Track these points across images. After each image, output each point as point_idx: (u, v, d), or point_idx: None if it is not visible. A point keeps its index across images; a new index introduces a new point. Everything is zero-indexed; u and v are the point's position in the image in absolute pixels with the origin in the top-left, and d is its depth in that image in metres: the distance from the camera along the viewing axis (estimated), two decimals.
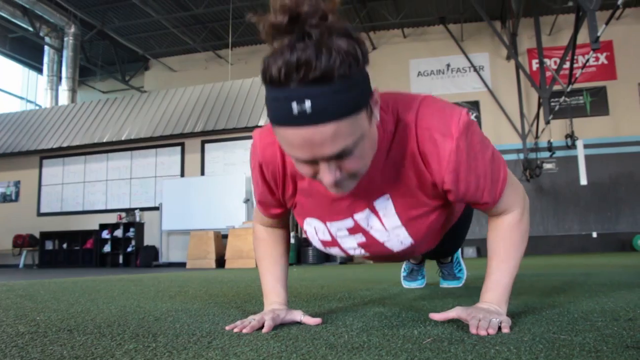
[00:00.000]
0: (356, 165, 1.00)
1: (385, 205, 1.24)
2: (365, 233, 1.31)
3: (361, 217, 1.27)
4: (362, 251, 1.38)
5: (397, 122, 1.12)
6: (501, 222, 1.29)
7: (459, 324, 1.22)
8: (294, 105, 0.88)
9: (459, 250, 2.59)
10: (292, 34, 0.89)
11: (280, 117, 0.91)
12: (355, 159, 0.99)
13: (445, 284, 2.58)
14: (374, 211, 1.25)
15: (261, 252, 1.46)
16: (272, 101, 0.92)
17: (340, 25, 0.90)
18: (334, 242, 1.36)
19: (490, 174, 1.18)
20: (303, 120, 0.89)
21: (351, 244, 1.35)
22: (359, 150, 0.98)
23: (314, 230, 1.35)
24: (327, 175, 0.98)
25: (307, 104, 0.88)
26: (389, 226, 1.28)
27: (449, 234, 1.55)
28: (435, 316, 1.24)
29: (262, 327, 1.23)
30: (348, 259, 9.66)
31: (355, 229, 1.30)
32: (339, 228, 1.31)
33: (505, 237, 1.28)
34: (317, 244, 1.40)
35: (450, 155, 1.10)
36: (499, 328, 1.12)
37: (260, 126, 10.08)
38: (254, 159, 1.27)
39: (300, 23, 0.88)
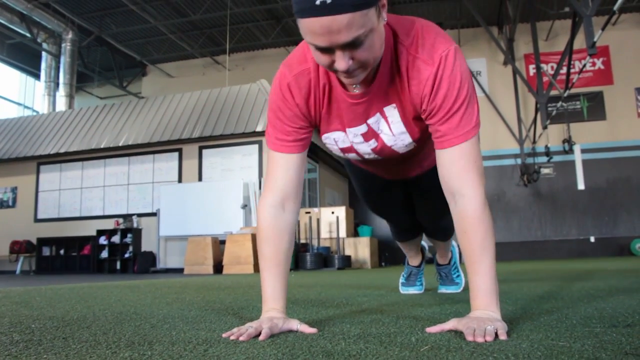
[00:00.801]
0: (366, 55, 1.15)
1: (393, 113, 1.40)
2: (377, 137, 1.48)
3: (373, 121, 1.43)
4: (375, 155, 1.57)
5: (395, 42, 1.30)
6: (464, 212, 1.29)
7: (457, 332, 1.21)
8: None
9: (457, 254, 2.59)
10: None
11: (305, 9, 1.06)
12: (365, 49, 1.14)
13: (444, 289, 2.57)
14: (384, 116, 1.42)
15: (265, 252, 1.41)
16: None
17: None
18: (351, 149, 1.55)
19: (461, 107, 1.28)
20: (323, 10, 1.04)
21: (366, 149, 1.54)
22: (369, 42, 1.13)
23: (334, 141, 1.53)
24: (342, 61, 1.14)
25: None
26: (395, 131, 1.45)
27: (444, 213, 1.69)
28: (431, 329, 1.24)
29: (259, 334, 1.22)
30: (346, 265, 9.65)
31: (368, 135, 1.48)
32: (355, 134, 1.48)
33: (470, 234, 1.27)
34: (337, 152, 1.59)
35: (428, 79, 1.27)
36: (496, 335, 1.12)
37: (258, 132, 10.09)
38: (283, 90, 1.40)
39: None
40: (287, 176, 1.43)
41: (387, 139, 1.48)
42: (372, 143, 1.51)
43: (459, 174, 1.29)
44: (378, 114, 1.42)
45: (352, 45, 1.11)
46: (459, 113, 1.28)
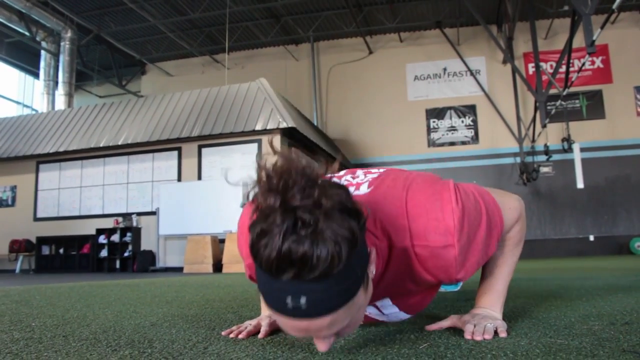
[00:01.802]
0: (350, 330, 0.98)
1: (384, 303, 1.24)
2: (364, 315, 1.28)
3: None
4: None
5: (390, 247, 1.09)
6: None
7: (456, 329, 1.22)
8: (289, 300, 0.83)
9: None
10: (284, 214, 0.81)
11: (273, 305, 0.86)
12: (350, 327, 0.95)
13: (443, 288, 2.57)
14: (374, 305, 1.25)
15: None
16: (264, 285, 0.86)
17: (335, 200, 0.83)
18: None
19: (488, 237, 1.15)
20: (298, 314, 0.84)
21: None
22: (354, 320, 0.94)
23: None
24: (322, 345, 0.94)
25: (303, 300, 0.82)
26: (387, 312, 1.28)
27: None
28: (430, 327, 1.24)
29: (258, 332, 1.22)
30: None
31: None
32: None
33: (505, 243, 1.28)
34: None
35: (457, 259, 1.07)
36: (496, 332, 1.12)
37: (257, 131, 10.09)
38: (240, 246, 1.25)
39: (292, 210, 0.81)
40: None
41: (377, 316, 1.31)
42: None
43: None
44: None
45: (333, 334, 0.93)
46: (493, 242, 1.17)
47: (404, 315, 1.32)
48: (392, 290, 1.18)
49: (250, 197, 0.87)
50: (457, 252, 1.06)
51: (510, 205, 1.25)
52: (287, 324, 0.88)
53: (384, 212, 1.10)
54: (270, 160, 0.86)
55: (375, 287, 1.10)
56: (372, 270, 0.96)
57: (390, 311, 1.27)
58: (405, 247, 1.08)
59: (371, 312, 1.27)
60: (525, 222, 1.31)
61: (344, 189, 0.87)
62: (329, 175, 0.92)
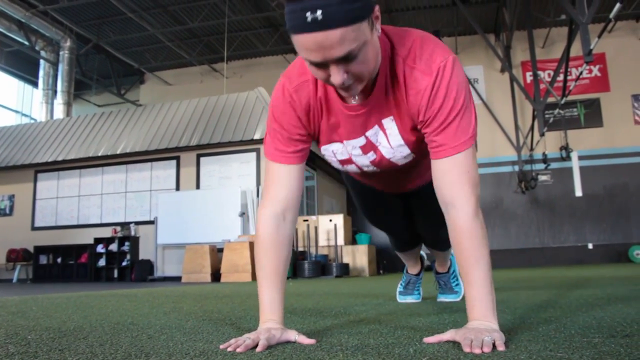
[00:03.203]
0: (360, 68, 1.16)
1: (391, 125, 1.41)
2: (376, 150, 1.48)
3: (371, 133, 1.43)
4: (373, 167, 1.56)
5: (392, 54, 1.30)
6: (457, 223, 1.30)
7: (455, 343, 1.21)
8: (308, 14, 1.04)
9: (456, 263, 2.58)
10: None
11: (297, 25, 1.07)
12: (360, 63, 1.14)
13: (443, 298, 2.57)
14: (382, 129, 1.42)
15: (262, 258, 1.41)
16: (290, 13, 1.07)
17: None
18: (349, 160, 1.54)
19: (457, 117, 1.29)
20: (315, 26, 1.04)
21: (364, 162, 1.54)
22: (363, 55, 1.13)
23: (333, 153, 1.52)
24: (337, 76, 1.14)
25: (319, 12, 1.03)
26: (394, 144, 1.45)
27: (443, 222, 1.60)
28: (429, 339, 1.24)
29: (257, 346, 1.21)
30: (344, 273, 9.63)
31: (366, 147, 1.48)
32: (354, 147, 1.48)
33: (465, 241, 1.28)
34: (335, 164, 1.59)
35: (426, 89, 1.27)
36: (494, 345, 1.11)
37: (256, 140, 10.09)
38: (283, 101, 1.40)
39: None
40: (287, 187, 1.43)
41: (386, 151, 1.48)
42: (371, 155, 1.51)
43: (451, 185, 1.30)
44: (376, 126, 1.42)
45: (345, 60, 1.11)
46: (454, 123, 1.29)
47: (408, 153, 1.48)
48: (395, 105, 1.36)
49: None
50: (431, 82, 1.26)
51: (474, 165, 1.34)
52: (307, 41, 1.08)
53: (395, 32, 1.33)
54: None
55: (382, 96, 1.34)
56: (378, 27, 1.17)
57: (396, 143, 1.44)
58: (401, 57, 1.30)
59: (381, 142, 1.45)
60: (481, 214, 1.32)
61: None
62: None
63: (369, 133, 1.44)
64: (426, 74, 1.27)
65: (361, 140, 1.46)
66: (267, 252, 1.41)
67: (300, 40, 1.09)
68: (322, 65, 1.14)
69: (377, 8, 1.14)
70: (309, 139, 1.47)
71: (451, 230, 1.32)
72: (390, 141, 1.45)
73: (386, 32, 1.31)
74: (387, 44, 1.30)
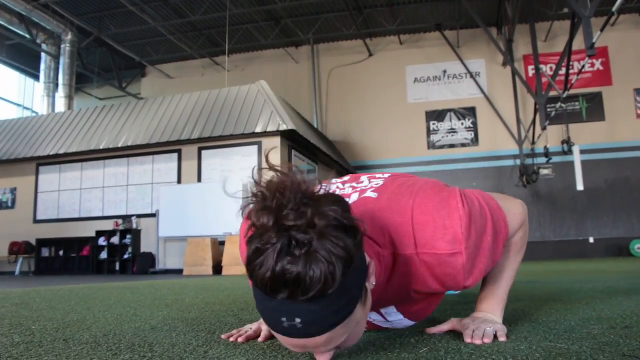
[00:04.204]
0: (351, 343, 0.97)
1: (389, 311, 1.24)
2: (368, 323, 1.28)
3: None
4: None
5: (395, 255, 1.09)
6: None
7: (456, 333, 1.22)
8: (284, 320, 0.83)
9: None
10: (278, 234, 0.81)
11: (270, 323, 0.87)
12: (351, 340, 0.95)
13: None
14: (379, 312, 1.24)
15: None
16: (261, 303, 0.86)
17: (330, 217, 0.82)
18: None
19: (497, 245, 1.15)
20: (294, 333, 0.84)
21: None
22: (354, 334, 0.94)
23: None
24: (322, 357, 0.93)
25: (297, 320, 0.82)
26: (391, 319, 1.27)
27: None
28: (430, 330, 1.25)
29: (258, 336, 1.22)
30: None
31: None
32: None
33: (508, 249, 1.28)
34: None
35: (465, 266, 1.06)
36: (495, 337, 1.12)
37: (257, 133, 10.09)
38: (242, 248, 1.23)
39: (286, 230, 0.81)
40: None
41: (381, 323, 1.31)
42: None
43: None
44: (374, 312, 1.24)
45: (332, 349, 0.92)
46: (499, 247, 1.17)
47: (409, 322, 1.31)
48: (397, 298, 1.17)
49: (246, 213, 0.87)
50: (465, 259, 1.05)
51: (515, 211, 1.25)
52: (284, 341, 0.88)
53: (389, 220, 1.09)
54: (267, 175, 0.86)
55: (380, 296, 1.10)
56: (372, 282, 0.95)
57: (395, 318, 1.27)
58: (410, 255, 1.07)
59: (375, 319, 1.26)
60: (528, 228, 1.31)
61: (341, 203, 0.86)
62: (329, 184, 0.90)
63: None
64: (456, 254, 1.05)
65: None
66: None
67: (275, 334, 0.89)
68: None
69: (372, 268, 0.95)
70: None
71: None
72: (387, 318, 1.27)
73: (379, 227, 1.07)
74: (387, 250, 1.08)
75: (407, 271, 1.09)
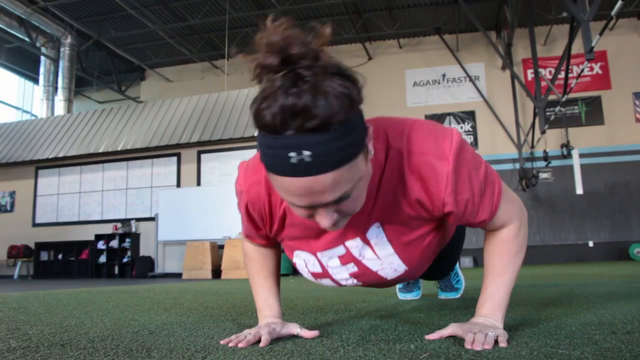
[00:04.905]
0: (353, 206, 0.99)
1: (377, 234, 1.22)
2: (358, 262, 1.27)
3: (353, 245, 1.24)
4: (355, 281, 1.34)
5: (387, 149, 1.11)
6: (498, 235, 1.28)
7: (457, 339, 1.21)
8: (292, 155, 0.85)
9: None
10: (284, 75, 0.85)
11: (277, 166, 0.88)
12: (353, 200, 0.97)
13: (444, 295, 2.57)
14: (366, 241, 1.23)
15: (252, 269, 1.45)
16: (267, 148, 0.88)
17: (333, 63, 0.87)
18: (324, 274, 1.32)
19: (485, 190, 1.17)
20: (302, 170, 0.86)
21: (343, 275, 1.31)
22: (356, 192, 0.96)
23: (304, 262, 1.33)
24: (325, 219, 0.97)
25: (306, 153, 0.85)
26: (381, 254, 1.25)
27: (442, 255, 1.54)
28: (430, 336, 1.23)
29: (258, 341, 1.21)
30: None
31: (346, 258, 1.27)
32: (330, 257, 1.27)
33: (502, 250, 1.27)
34: (307, 275, 1.36)
35: (449, 178, 1.08)
36: (496, 342, 1.11)
37: (256, 144, 10.09)
38: (240, 198, 1.27)
39: (292, 64, 0.84)
40: (263, 257, 1.43)
41: (372, 263, 1.28)
42: (351, 267, 1.29)
43: (502, 222, 1.25)
44: (358, 239, 1.23)
45: (337, 202, 0.94)
46: (489, 189, 1.19)
47: (400, 265, 1.28)
48: (387, 207, 1.16)
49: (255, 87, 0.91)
50: (451, 168, 1.08)
51: (511, 194, 1.26)
52: (291, 186, 0.89)
53: (386, 123, 1.14)
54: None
55: (370, 204, 1.13)
56: (371, 149, 0.98)
57: (385, 252, 1.24)
58: (401, 150, 1.10)
59: (365, 254, 1.25)
60: (527, 229, 1.30)
61: (342, 64, 0.90)
62: None
63: (349, 243, 1.24)
64: (442, 158, 1.08)
65: (339, 250, 1.26)
66: (255, 261, 1.44)
67: (281, 183, 0.91)
68: (308, 207, 0.96)
69: (371, 130, 0.98)
70: (274, 240, 1.35)
71: (492, 238, 1.28)
72: (377, 252, 1.25)
73: (377, 127, 1.11)
74: (382, 139, 1.11)
75: (397, 172, 1.11)
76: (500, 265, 1.26)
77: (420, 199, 1.13)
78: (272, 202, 1.22)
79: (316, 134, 0.84)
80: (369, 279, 1.33)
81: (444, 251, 1.49)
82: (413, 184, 1.11)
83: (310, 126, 0.83)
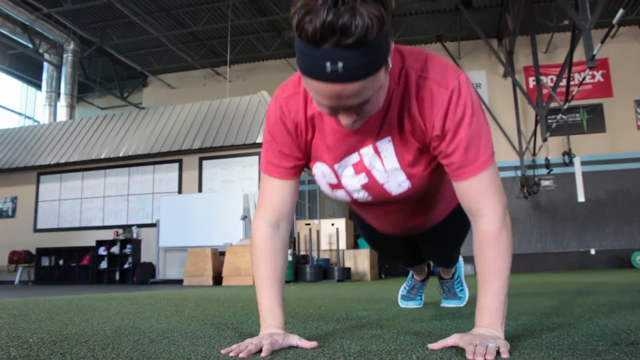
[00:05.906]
0: (371, 110, 1.16)
1: (387, 147, 1.35)
2: (368, 172, 1.41)
3: (365, 152, 1.37)
4: (366, 194, 1.47)
5: (401, 68, 1.24)
6: (482, 231, 1.28)
7: (459, 349, 1.20)
8: (328, 64, 1.00)
9: (461, 268, 2.57)
10: None
11: (313, 71, 1.03)
12: (371, 104, 1.13)
13: (446, 304, 2.56)
14: (377, 151, 1.36)
15: (260, 268, 1.41)
16: (305, 56, 1.03)
17: None
18: (339, 185, 1.46)
19: (476, 136, 1.25)
20: (334, 78, 1.01)
21: (355, 186, 1.45)
22: (376, 98, 1.13)
23: (322, 174, 1.46)
24: (346, 119, 1.14)
25: (340, 64, 0.99)
26: (388, 167, 1.38)
27: (447, 225, 1.65)
28: (433, 345, 1.23)
29: (259, 351, 1.21)
30: (345, 277, 9.61)
31: (359, 167, 1.40)
32: (346, 166, 1.41)
33: (489, 249, 1.27)
34: (324, 187, 1.50)
35: (442, 102, 1.21)
36: (498, 353, 1.11)
37: (258, 143, 10.09)
38: (275, 113, 1.38)
39: None
40: (281, 198, 1.43)
41: (379, 175, 1.42)
42: (362, 177, 1.44)
43: (478, 199, 1.28)
44: (371, 147, 1.37)
45: (359, 106, 1.10)
46: (475, 141, 1.25)
47: (404, 181, 1.41)
48: (392, 123, 1.30)
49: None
50: (447, 97, 1.21)
51: (499, 183, 1.31)
52: (323, 89, 1.05)
53: (405, 47, 1.29)
54: None
55: (382, 114, 1.27)
56: (390, 63, 1.12)
57: (392, 166, 1.38)
58: (411, 71, 1.24)
59: (375, 165, 1.39)
60: (510, 230, 1.29)
61: None
62: None
63: (363, 151, 1.38)
64: (442, 86, 1.22)
65: (354, 157, 1.40)
66: (263, 261, 1.42)
67: (314, 86, 1.06)
68: (334, 107, 1.12)
69: (392, 46, 1.12)
70: (301, 156, 1.43)
71: (476, 238, 1.30)
72: (385, 164, 1.38)
73: (397, 47, 1.26)
74: (398, 59, 1.25)
75: (405, 89, 1.25)
76: (492, 269, 1.26)
77: (417, 119, 1.27)
78: (307, 109, 1.35)
79: (350, 50, 0.98)
80: (377, 193, 1.46)
81: (455, 246, 1.50)
82: (413, 104, 1.25)
83: (345, 43, 0.97)
